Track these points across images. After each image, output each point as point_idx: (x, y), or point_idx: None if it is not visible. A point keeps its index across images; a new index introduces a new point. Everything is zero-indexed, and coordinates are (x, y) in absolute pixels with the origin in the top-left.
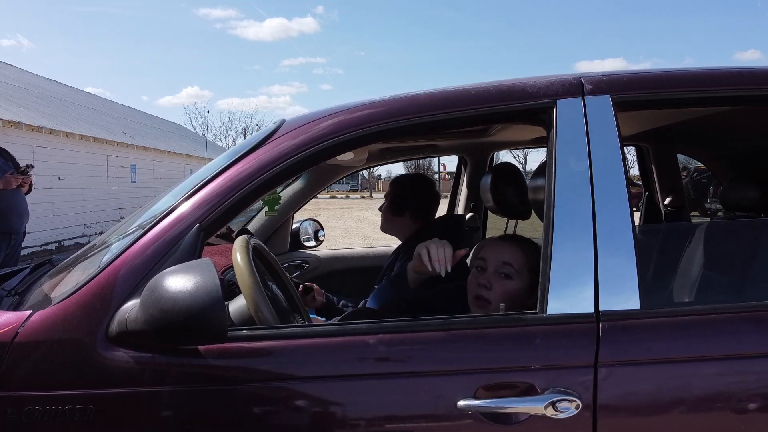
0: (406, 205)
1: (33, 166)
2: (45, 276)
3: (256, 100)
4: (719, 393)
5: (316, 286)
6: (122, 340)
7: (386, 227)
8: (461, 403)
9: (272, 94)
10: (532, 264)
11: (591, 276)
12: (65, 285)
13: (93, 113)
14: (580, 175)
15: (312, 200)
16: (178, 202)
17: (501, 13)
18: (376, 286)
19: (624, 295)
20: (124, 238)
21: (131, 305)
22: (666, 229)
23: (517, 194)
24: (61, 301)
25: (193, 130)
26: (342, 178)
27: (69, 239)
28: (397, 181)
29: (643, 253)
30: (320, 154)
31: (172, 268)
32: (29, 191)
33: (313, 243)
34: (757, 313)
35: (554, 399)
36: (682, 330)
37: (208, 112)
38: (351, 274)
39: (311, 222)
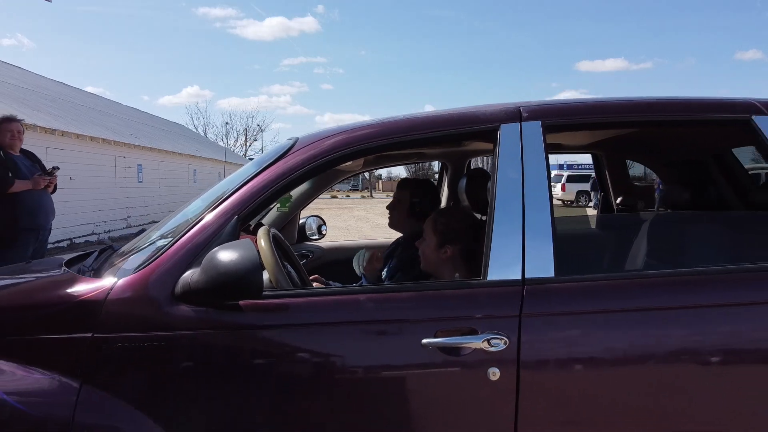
0: (416, 208)
1: (58, 168)
2: (113, 256)
3: (257, 99)
4: (606, 335)
5: (318, 276)
6: (184, 298)
7: (396, 223)
8: (424, 341)
9: (273, 93)
10: (438, 227)
11: (519, 253)
12: (138, 259)
13: (100, 115)
14: (515, 180)
15: (316, 200)
16: (222, 200)
17: (501, 13)
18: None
19: (542, 267)
20: (184, 224)
21: (191, 272)
22: (579, 220)
23: (486, 194)
24: (139, 270)
25: (195, 130)
26: (344, 179)
27: (79, 237)
28: (411, 185)
29: (559, 236)
30: (326, 165)
31: (224, 244)
32: (54, 191)
33: (316, 236)
34: (639, 280)
35: (489, 337)
36: (583, 292)
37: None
38: (349, 264)
39: (315, 218)
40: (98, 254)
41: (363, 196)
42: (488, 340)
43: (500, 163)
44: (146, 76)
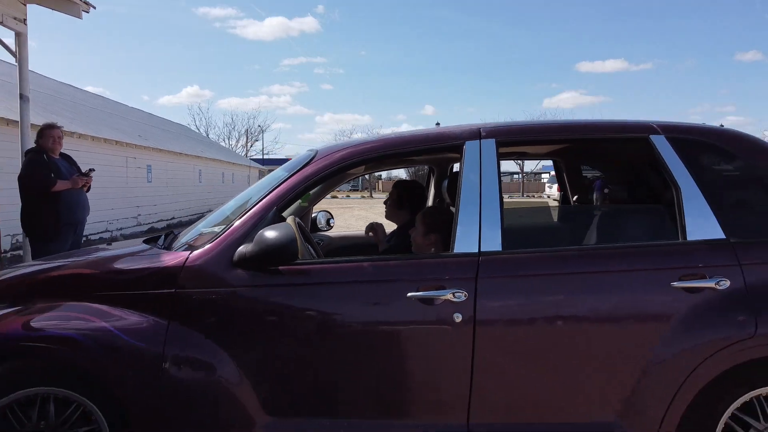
0: (406, 203)
1: (94, 170)
2: (180, 235)
3: (257, 99)
4: (533, 290)
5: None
6: (240, 264)
7: (390, 215)
8: (409, 294)
9: (273, 93)
10: (426, 220)
11: (477, 233)
12: (202, 239)
13: (110, 117)
14: (475, 182)
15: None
16: (264, 195)
17: (501, 13)
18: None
19: (493, 243)
20: (238, 211)
21: (244, 246)
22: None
23: None
24: (207, 245)
25: (197, 131)
26: (349, 180)
27: (94, 234)
28: (400, 185)
29: (506, 222)
30: (338, 171)
31: (271, 225)
32: (88, 190)
33: (325, 228)
34: (556, 254)
35: (455, 291)
36: (520, 261)
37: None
38: (352, 250)
39: (324, 213)
40: (165, 237)
41: (363, 197)
42: (453, 293)
43: (464, 169)
44: (146, 76)
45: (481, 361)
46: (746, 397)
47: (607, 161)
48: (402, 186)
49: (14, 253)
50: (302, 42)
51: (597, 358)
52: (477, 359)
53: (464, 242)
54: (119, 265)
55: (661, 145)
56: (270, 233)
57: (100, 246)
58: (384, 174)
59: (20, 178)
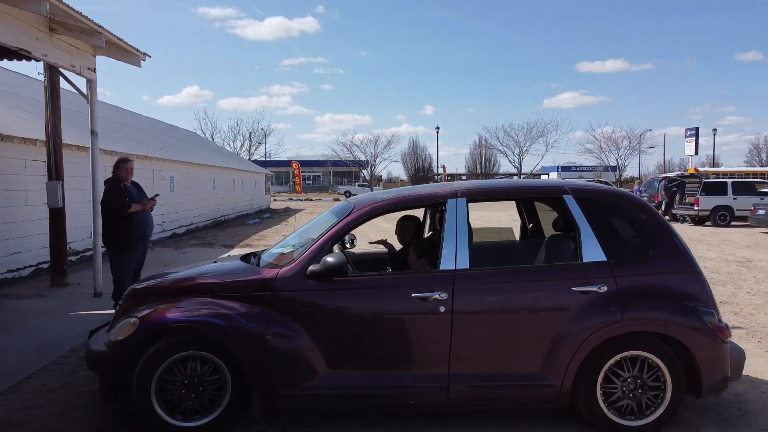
0: (407, 232)
1: (158, 195)
2: (262, 255)
3: (257, 99)
4: (489, 293)
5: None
6: (310, 277)
7: (399, 239)
8: (413, 294)
9: (273, 93)
10: (420, 247)
11: (453, 258)
12: (286, 258)
13: (135, 131)
14: (452, 224)
15: (320, 203)
16: (324, 233)
17: (501, 13)
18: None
19: (464, 263)
20: (310, 240)
21: (314, 266)
22: (490, 245)
23: None
24: (290, 264)
25: (203, 135)
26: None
27: None
28: (404, 221)
29: (473, 248)
30: (367, 219)
31: (330, 254)
32: (152, 210)
33: (349, 246)
34: (502, 269)
35: (440, 293)
36: (481, 274)
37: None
38: (368, 262)
39: (350, 234)
40: (253, 256)
41: None
42: (439, 294)
43: (446, 216)
44: (146, 76)
45: (456, 335)
46: (617, 357)
47: (543, 206)
48: (405, 220)
49: (87, 255)
50: (302, 42)
51: (529, 332)
52: (454, 334)
53: (446, 262)
54: (237, 276)
55: (569, 200)
56: (331, 259)
57: (212, 262)
58: (384, 175)
59: (103, 202)
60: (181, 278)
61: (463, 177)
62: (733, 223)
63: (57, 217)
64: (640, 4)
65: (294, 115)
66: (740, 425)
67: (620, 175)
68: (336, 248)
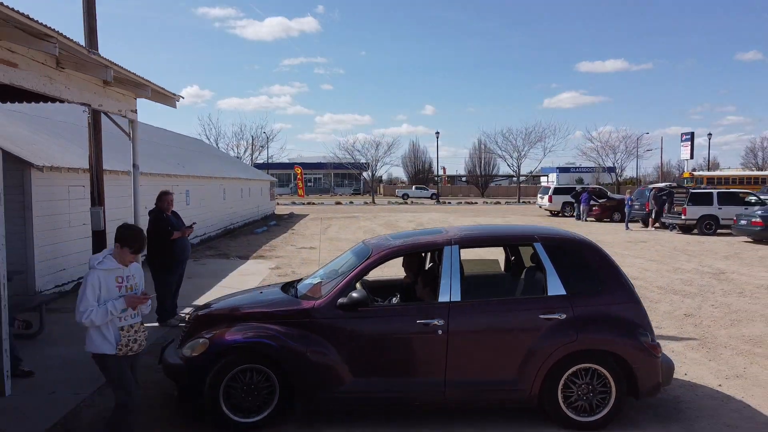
0: (414, 266)
1: (195, 223)
2: (299, 286)
3: (257, 99)
4: (475, 318)
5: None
6: (339, 308)
7: (408, 271)
8: (418, 321)
9: (273, 93)
10: (424, 281)
11: (449, 292)
12: (320, 291)
13: (151, 146)
14: (448, 266)
15: (322, 207)
16: (349, 272)
17: (501, 13)
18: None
19: (456, 296)
20: (339, 276)
21: (342, 299)
22: (476, 276)
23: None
24: (323, 298)
25: (207, 141)
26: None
27: None
28: (408, 261)
29: (464, 284)
30: (383, 262)
31: (354, 290)
32: (188, 236)
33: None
34: (486, 300)
35: (438, 320)
36: (470, 305)
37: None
38: (381, 288)
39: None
40: (291, 287)
41: (365, 202)
42: (438, 320)
43: (443, 259)
44: (146, 76)
45: (450, 351)
46: (574, 368)
47: (520, 249)
48: (410, 255)
49: None
50: (302, 42)
51: (507, 348)
52: (449, 350)
53: (443, 295)
54: (282, 307)
55: (538, 246)
56: (355, 295)
57: (257, 290)
58: (384, 176)
59: (149, 232)
60: (236, 307)
61: (463, 179)
62: (718, 231)
63: (99, 238)
64: (640, 4)
65: (294, 115)
66: (673, 420)
67: (617, 178)
68: (358, 285)
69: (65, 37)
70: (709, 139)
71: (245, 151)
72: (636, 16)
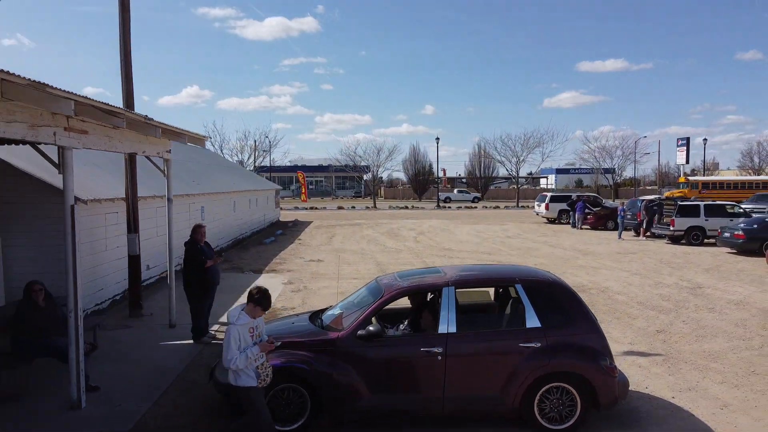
0: (419, 301)
1: (223, 254)
2: (323, 317)
3: (257, 99)
4: (467, 345)
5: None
6: (359, 338)
7: (413, 303)
8: (422, 348)
9: (273, 93)
10: (427, 315)
11: (446, 325)
12: (342, 323)
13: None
14: (446, 304)
15: (325, 213)
16: (366, 308)
17: (501, 13)
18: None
19: (452, 328)
20: (357, 311)
21: (361, 330)
22: (467, 307)
23: None
24: (345, 330)
25: (213, 147)
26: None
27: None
28: (412, 299)
29: (458, 317)
30: (393, 300)
31: (370, 323)
32: (217, 263)
33: None
34: (476, 331)
35: (438, 347)
36: (464, 335)
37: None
38: (391, 315)
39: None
40: (317, 317)
41: (367, 207)
42: (437, 348)
43: (441, 298)
44: (146, 76)
45: (448, 372)
46: (547, 386)
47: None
48: (413, 298)
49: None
50: (302, 42)
51: (493, 370)
52: (447, 371)
53: (442, 327)
54: (312, 337)
55: (518, 287)
56: (372, 328)
57: (290, 320)
58: (385, 176)
59: (185, 261)
60: (273, 336)
61: (463, 181)
62: (705, 241)
63: (135, 262)
64: (640, 4)
65: (294, 115)
66: (628, 427)
67: (613, 180)
68: (374, 319)
69: (130, 112)
70: (705, 144)
71: (249, 157)
72: (636, 16)
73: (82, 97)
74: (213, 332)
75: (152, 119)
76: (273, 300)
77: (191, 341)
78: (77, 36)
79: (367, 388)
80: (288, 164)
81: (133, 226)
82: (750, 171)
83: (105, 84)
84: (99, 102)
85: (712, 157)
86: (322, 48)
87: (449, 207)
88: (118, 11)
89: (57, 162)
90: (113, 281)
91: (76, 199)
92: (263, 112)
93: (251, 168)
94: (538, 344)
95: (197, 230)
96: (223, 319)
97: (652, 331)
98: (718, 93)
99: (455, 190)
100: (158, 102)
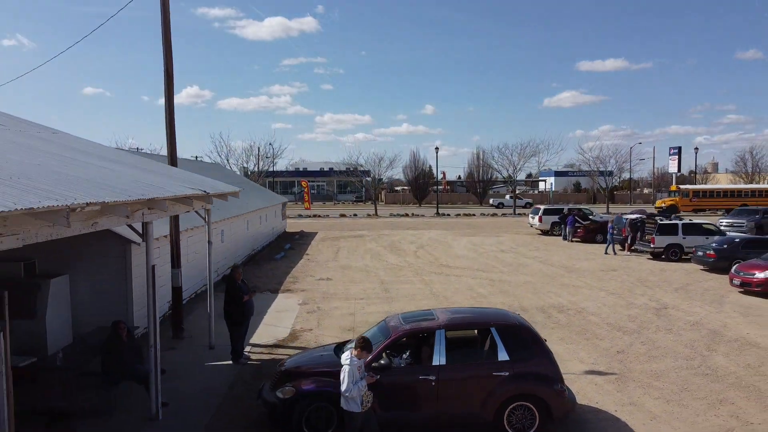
0: (419, 338)
1: (255, 291)
2: (345, 347)
3: (257, 99)
4: (454, 374)
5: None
6: (374, 369)
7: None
8: (420, 376)
9: (273, 93)
10: (426, 350)
11: (438, 358)
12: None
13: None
14: (438, 342)
15: (328, 221)
16: (379, 345)
17: (501, 13)
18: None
19: (443, 361)
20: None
21: (376, 362)
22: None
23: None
24: (362, 361)
25: (219, 158)
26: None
27: (199, 288)
28: (411, 336)
29: (447, 350)
30: (400, 340)
31: (383, 358)
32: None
33: None
34: (463, 364)
35: (432, 376)
36: (452, 366)
37: (228, 135)
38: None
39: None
40: (340, 350)
41: (368, 214)
42: (432, 376)
43: (434, 339)
44: (146, 76)
45: (440, 394)
46: (514, 404)
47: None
48: (412, 337)
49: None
50: (302, 42)
51: (474, 392)
52: (439, 393)
53: (435, 360)
54: (337, 367)
55: (492, 330)
56: (383, 362)
57: (318, 352)
58: (385, 177)
59: (226, 296)
60: (309, 366)
61: (463, 184)
62: (684, 257)
63: (177, 292)
64: (640, 4)
65: (294, 115)
66: None
67: (609, 185)
68: (384, 354)
69: (199, 192)
70: (696, 154)
71: (254, 166)
72: (636, 16)
73: (171, 195)
74: (247, 353)
75: (209, 192)
76: (292, 322)
77: (230, 362)
78: (77, 36)
79: (379, 406)
80: (290, 169)
81: (176, 262)
82: (743, 177)
83: (105, 84)
84: (181, 194)
85: (712, 158)
86: (322, 48)
87: (448, 215)
88: (164, 82)
89: (140, 232)
90: (158, 306)
91: (130, 241)
92: (263, 112)
93: (254, 171)
94: (506, 373)
95: (235, 270)
96: (253, 340)
97: (613, 351)
98: (718, 92)
99: (507, 196)
100: (158, 102)
